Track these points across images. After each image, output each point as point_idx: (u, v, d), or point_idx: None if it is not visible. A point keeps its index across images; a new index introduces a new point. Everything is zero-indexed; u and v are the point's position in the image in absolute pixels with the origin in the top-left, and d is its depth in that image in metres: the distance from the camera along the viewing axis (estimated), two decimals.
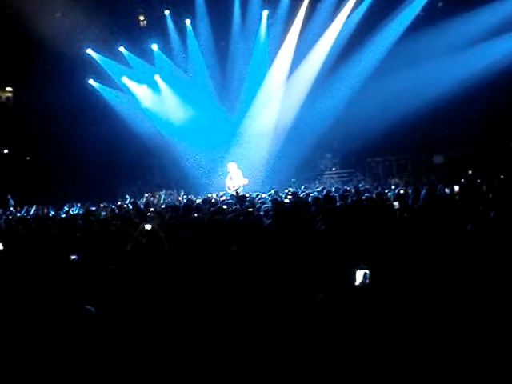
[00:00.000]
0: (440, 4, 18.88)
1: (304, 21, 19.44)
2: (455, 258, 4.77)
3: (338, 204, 8.80)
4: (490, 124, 18.08)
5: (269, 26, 19.73)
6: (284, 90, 20.10)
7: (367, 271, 4.30)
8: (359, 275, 4.29)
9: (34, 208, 14.29)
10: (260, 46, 19.88)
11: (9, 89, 21.35)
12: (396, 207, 7.70)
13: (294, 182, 16.76)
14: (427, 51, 17.55)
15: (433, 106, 17.28)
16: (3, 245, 6.61)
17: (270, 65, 20.15)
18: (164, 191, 19.20)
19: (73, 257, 5.80)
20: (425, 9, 18.67)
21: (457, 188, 8.89)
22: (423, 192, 9.11)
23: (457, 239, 5.28)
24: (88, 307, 3.88)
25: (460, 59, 17.41)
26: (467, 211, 6.53)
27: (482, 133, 18.23)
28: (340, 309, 3.66)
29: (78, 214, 12.25)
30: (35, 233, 7.88)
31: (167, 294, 4.69)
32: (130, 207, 12.57)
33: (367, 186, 14.04)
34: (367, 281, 4.29)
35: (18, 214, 13.21)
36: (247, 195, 14.29)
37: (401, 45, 18.43)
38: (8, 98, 21.43)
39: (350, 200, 8.95)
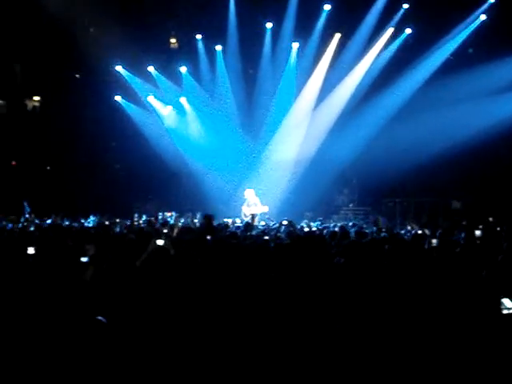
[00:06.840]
0: (470, 50, 18.90)
1: (333, 56, 19.63)
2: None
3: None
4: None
5: (298, 58, 19.86)
6: (308, 122, 20.14)
7: None
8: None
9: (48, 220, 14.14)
10: (288, 76, 19.98)
11: (36, 98, 21.57)
12: (434, 244, 7.60)
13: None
14: (454, 96, 17.51)
15: (455, 151, 17.16)
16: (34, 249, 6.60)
17: (297, 96, 20.26)
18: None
19: (84, 259, 5.87)
20: (455, 53, 18.74)
21: (478, 233, 8.74)
22: (437, 233, 9.03)
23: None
24: (99, 318, 3.84)
25: (486, 106, 17.36)
26: (485, 257, 6.44)
27: (503, 181, 18.07)
28: None
29: (92, 227, 12.25)
30: (51, 240, 7.90)
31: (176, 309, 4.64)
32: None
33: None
34: None
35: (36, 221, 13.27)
36: (263, 223, 14.30)
37: (428, 87, 18.49)
38: (35, 107, 21.63)
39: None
